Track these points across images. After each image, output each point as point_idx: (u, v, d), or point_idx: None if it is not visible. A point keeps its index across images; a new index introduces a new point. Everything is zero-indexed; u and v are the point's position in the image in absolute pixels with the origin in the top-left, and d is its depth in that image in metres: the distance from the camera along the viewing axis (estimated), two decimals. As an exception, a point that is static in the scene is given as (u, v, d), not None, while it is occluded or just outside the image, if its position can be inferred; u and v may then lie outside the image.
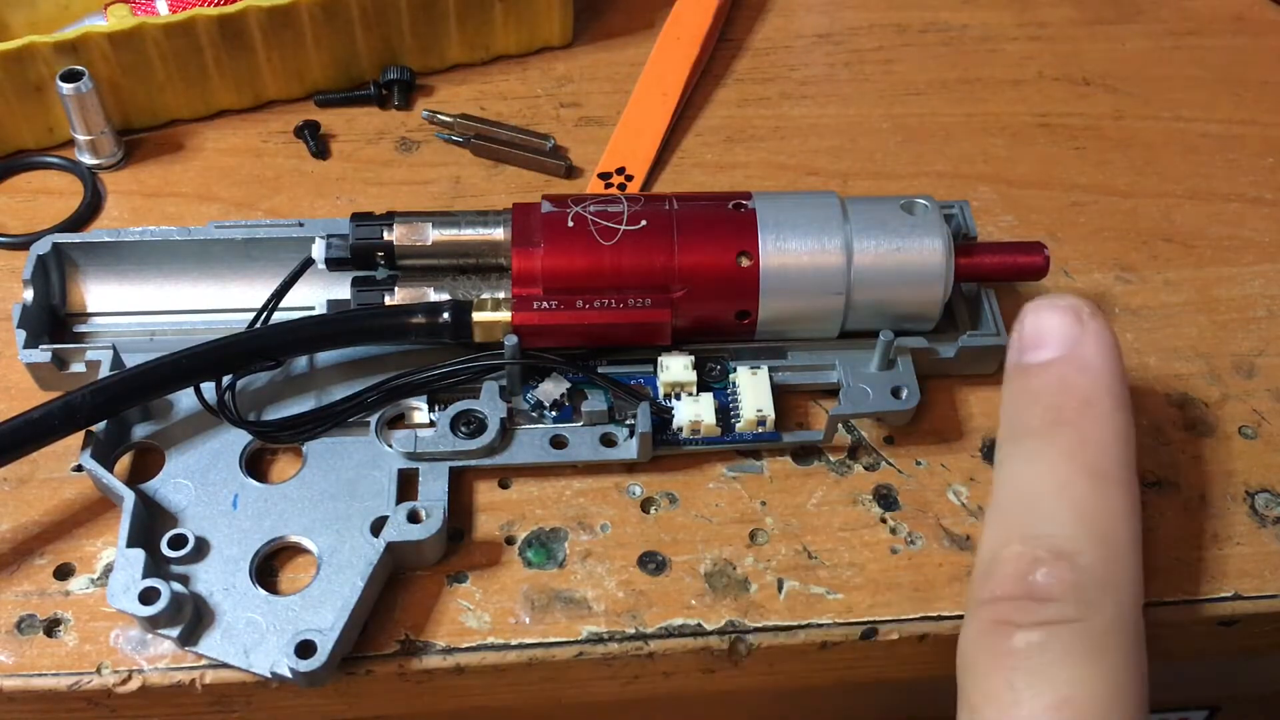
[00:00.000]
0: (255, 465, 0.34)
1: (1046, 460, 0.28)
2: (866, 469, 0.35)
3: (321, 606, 0.31)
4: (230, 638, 0.30)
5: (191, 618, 0.30)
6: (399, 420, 0.35)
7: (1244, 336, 0.39)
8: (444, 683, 0.31)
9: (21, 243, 0.40)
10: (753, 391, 0.35)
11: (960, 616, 0.32)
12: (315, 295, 0.37)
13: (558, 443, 0.34)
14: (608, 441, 0.34)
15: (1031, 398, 0.29)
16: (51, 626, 0.31)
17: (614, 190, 0.43)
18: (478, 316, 0.34)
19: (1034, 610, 0.26)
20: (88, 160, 0.43)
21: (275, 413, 0.35)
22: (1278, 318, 0.39)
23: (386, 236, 0.35)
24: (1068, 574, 0.26)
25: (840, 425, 0.35)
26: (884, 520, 0.34)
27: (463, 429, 0.34)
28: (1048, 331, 0.29)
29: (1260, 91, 0.47)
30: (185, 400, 0.35)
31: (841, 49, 0.49)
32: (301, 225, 0.37)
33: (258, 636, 0.30)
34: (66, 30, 0.41)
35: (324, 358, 0.36)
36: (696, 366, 0.35)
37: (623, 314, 0.34)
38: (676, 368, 0.35)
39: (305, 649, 0.29)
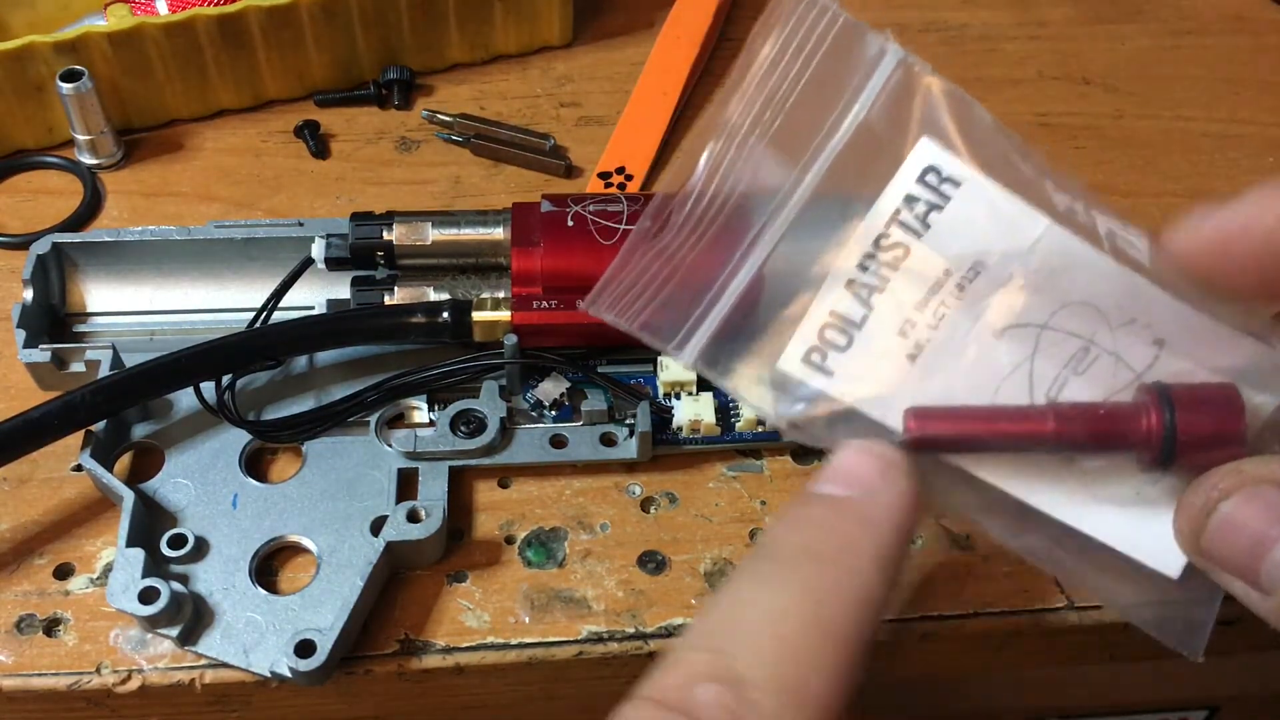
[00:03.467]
0: (255, 465, 0.34)
1: (774, 588, 0.25)
2: (866, 468, 0.35)
3: (321, 606, 0.31)
4: (230, 637, 0.30)
5: (191, 617, 0.30)
6: (399, 420, 0.35)
7: (1244, 336, 0.38)
8: (444, 682, 0.31)
9: (21, 242, 0.40)
10: (752, 391, 0.35)
11: (961, 616, 0.32)
12: (315, 295, 0.37)
13: (557, 442, 0.34)
14: (607, 441, 0.34)
15: (796, 524, 0.27)
16: (51, 626, 0.31)
17: (614, 190, 0.43)
18: (477, 316, 0.34)
19: None
20: (88, 160, 0.43)
21: (275, 412, 0.35)
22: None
23: (386, 236, 0.35)
24: (732, 702, 0.23)
25: (840, 424, 0.35)
26: (884, 519, 0.34)
27: (462, 428, 0.34)
28: (850, 471, 0.27)
29: (1260, 91, 0.47)
30: (185, 400, 0.35)
31: (841, 48, 0.49)
32: (301, 225, 0.37)
33: (257, 636, 0.30)
34: (66, 30, 0.41)
35: (324, 357, 0.36)
36: (696, 366, 0.35)
37: (622, 313, 0.34)
38: (676, 367, 0.35)
39: (305, 648, 0.29)
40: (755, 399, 0.28)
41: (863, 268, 0.28)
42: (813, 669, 0.24)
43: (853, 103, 0.28)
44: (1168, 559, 0.28)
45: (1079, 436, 0.27)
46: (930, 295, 0.28)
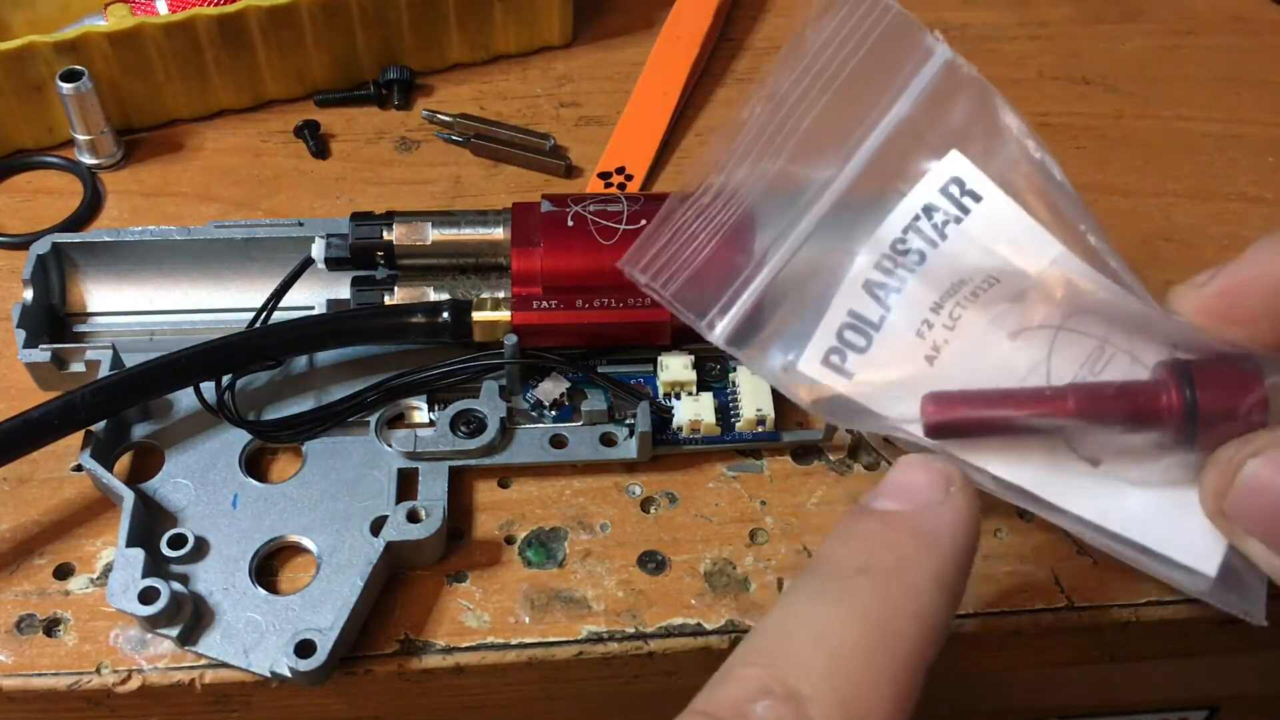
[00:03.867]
0: (255, 465, 0.34)
1: (829, 603, 0.25)
2: (867, 468, 0.35)
3: (321, 606, 0.31)
4: (230, 637, 0.30)
5: (191, 617, 0.30)
6: (399, 420, 0.35)
7: (1244, 336, 0.38)
8: (444, 682, 0.31)
9: (21, 242, 0.40)
10: (752, 391, 0.35)
11: (961, 616, 0.32)
12: (315, 295, 0.37)
13: (557, 442, 0.34)
14: (607, 441, 0.34)
15: (851, 538, 0.26)
16: (51, 626, 0.31)
17: (614, 190, 0.43)
18: (477, 316, 0.34)
19: None
20: (88, 160, 0.43)
21: (275, 412, 0.35)
22: (1278, 317, 0.39)
23: (386, 236, 0.35)
24: (790, 717, 0.23)
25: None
26: (884, 519, 0.34)
27: (462, 428, 0.34)
28: (907, 486, 0.26)
29: (1260, 91, 0.47)
30: (185, 400, 0.35)
31: (841, 49, 0.49)
32: (301, 225, 0.37)
33: (257, 636, 0.30)
34: (66, 30, 0.41)
35: (324, 357, 0.36)
36: (696, 366, 0.35)
37: (622, 313, 0.34)
38: (676, 367, 0.35)
39: (305, 648, 0.29)
40: (779, 385, 0.29)
41: (882, 269, 0.28)
42: (869, 685, 0.24)
43: (896, 98, 0.28)
44: (1202, 557, 0.27)
45: (1099, 413, 0.27)
46: (947, 298, 0.28)
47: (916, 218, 0.28)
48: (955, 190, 0.29)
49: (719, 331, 0.28)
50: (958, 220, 0.28)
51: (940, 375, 0.28)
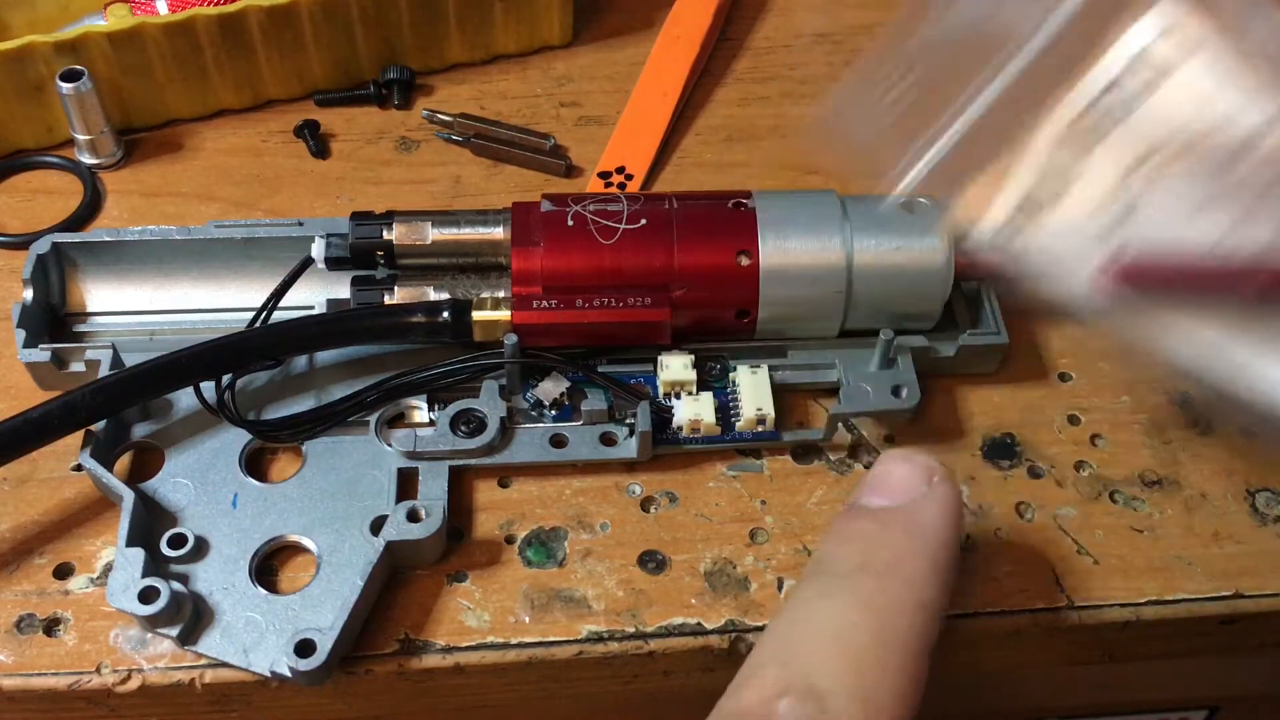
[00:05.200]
0: (255, 464, 0.34)
1: (837, 601, 0.26)
2: (867, 468, 0.35)
3: (321, 606, 0.31)
4: (230, 637, 0.30)
5: (191, 617, 0.30)
6: (399, 419, 0.35)
7: (1244, 335, 0.38)
8: (444, 682, 0.31)
9: (21, 242, 0.40)
10: (753, 390, 0.35)
11: (960, 616, 0.32)
12: (315, 295, 0.37)
13: (557, 442, 0.34)
14: (607, 440, 0.34)
15: (848, 538, 0.28)
16: (51, 626, 0.31)
17: (614, 189, 0.43)
18: (477, 315, 0.34)
19: None
20: (87, 160, 0.43)
21: (275, 412, 0.35)
22: (1278, 317, 0.39)
23: (386, 236, 0.35)
24: (811, 712, 0.24)
25: (840, 424, 0.35)
26: (884, 519, 0.34)
27: (462, 428, 0.34)
28: (890, 481, 0.29)
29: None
30: (185, 399, 0.35)
31: (841, 48, 0.49)
32: (301, 225, 0.37)
33: (257, 636, 0.30)
34: (66, 30, 0.41)
35: (324, 357, 0.36)
36: (696, 365, 0.35)
37: (622, 313, 0.34)
38: (676, 367, 0.35)
39: (305, 648, 0.29)
40: (967, 237, 0.28)
41: (1077, 125, 0.27)
42: (883, 675, 0.25)
43: None
44: None
45: None
46: (1142, 161, 0.27)
47: (1126, 67, 0.27)
48: (1168, 41, 0.27)
49: (910, 180, 0.28)
50: (1168, 73, 0.27)
51: (1135, 230, 0.27)
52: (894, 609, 0.26)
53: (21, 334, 0.34)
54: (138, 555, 0.30)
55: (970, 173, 0.28)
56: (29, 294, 0.35)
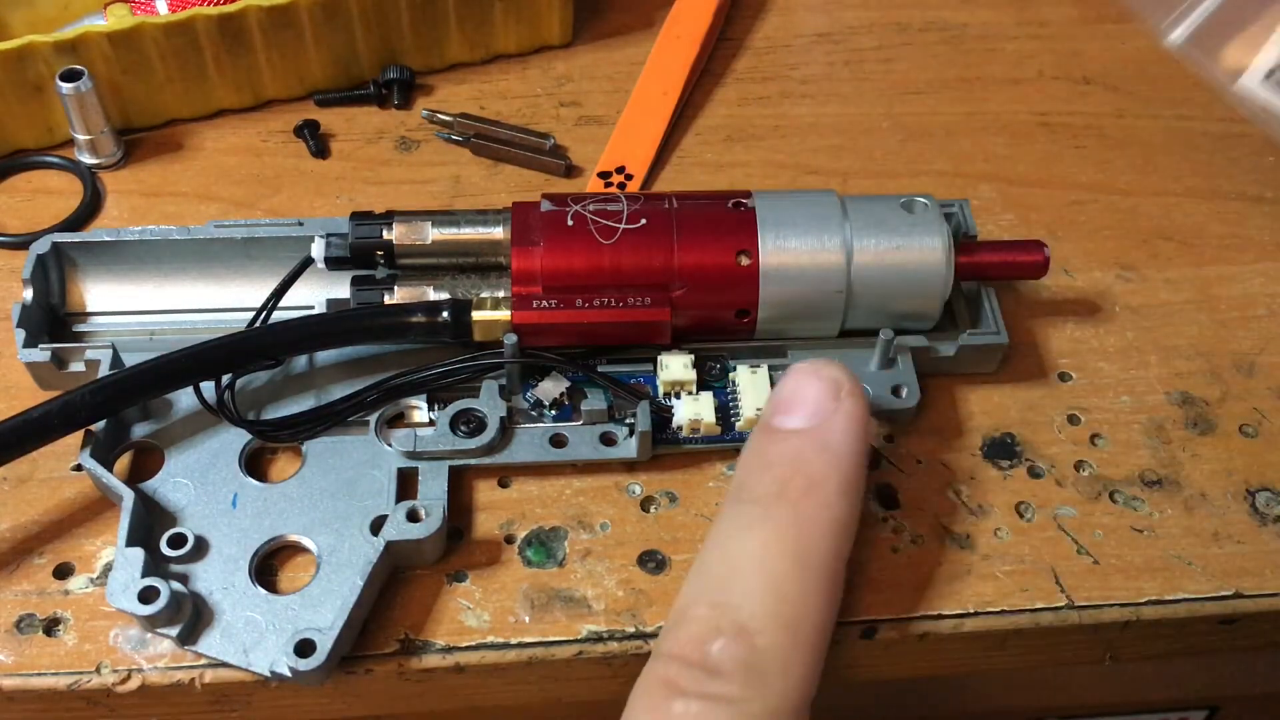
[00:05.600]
0: (255, 464, 0.34)
1: (758, 533, 0.28)
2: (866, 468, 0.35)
3: (321, 605, 0.31)
4: (229, 637, 0.30)
5: (191, 617, 0.30)
6: (398, 419, 0.35)
7: (1244, 335, 0.39)
8: (444, 682, 0.31)
9: (21, 242, 0.40)
10: (753, 390, 0.35)
11: (960, 616, 0.32)
12: (315, 295, 0.37)
13: (557, 441, 0.34)
14: (607, 440, 0.34)
15: (764, 464, 0.29)
16: (51, 626, 0.31)
17: (614, 189, 0.43)
18: (477, 315, 0.34)
19: (701, 681, 0.26)
20: (87, 160, 0.43)
21: (275, 412, 0.35)
22: (1278, 316, 0.39)
23: (386, 235, 0.35)
24: (742, 652, 0.26)
25: (840, 424, 0.35)
26: (884, 519, 0.34)
27: (462, 428, 0.34)
28: (801, 400, 0.30)
29: (1261, 90, 0.47)
30: (185, 399, 0.35)
31: (841, 48, 0.49)
32: (301, 224, 0.37)
33: (257, 635, 0.30)
34: (66, 30, 0.41)
35: (323, 357, 0.36)
36: (696, 365, 0.35)
37: (622, 313, 0.34)
38: (676, 366, 0.35)
39: (305, 648, 0.29)
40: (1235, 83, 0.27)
41: None
42: (803, 601, 0.27)
43: None
44: None
45: None
46: None
47: None
48: None
49: (1180, 31, 0.27)
50: None
51: None
52: (812, 533, 0.28)
53: (21, 334, 0.34)
54: (137, 555, 0.30)
55: (1245, 19, 0.28)
56: (29, 294, 0.35)
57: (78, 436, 0.33)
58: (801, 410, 0.30)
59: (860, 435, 0.29)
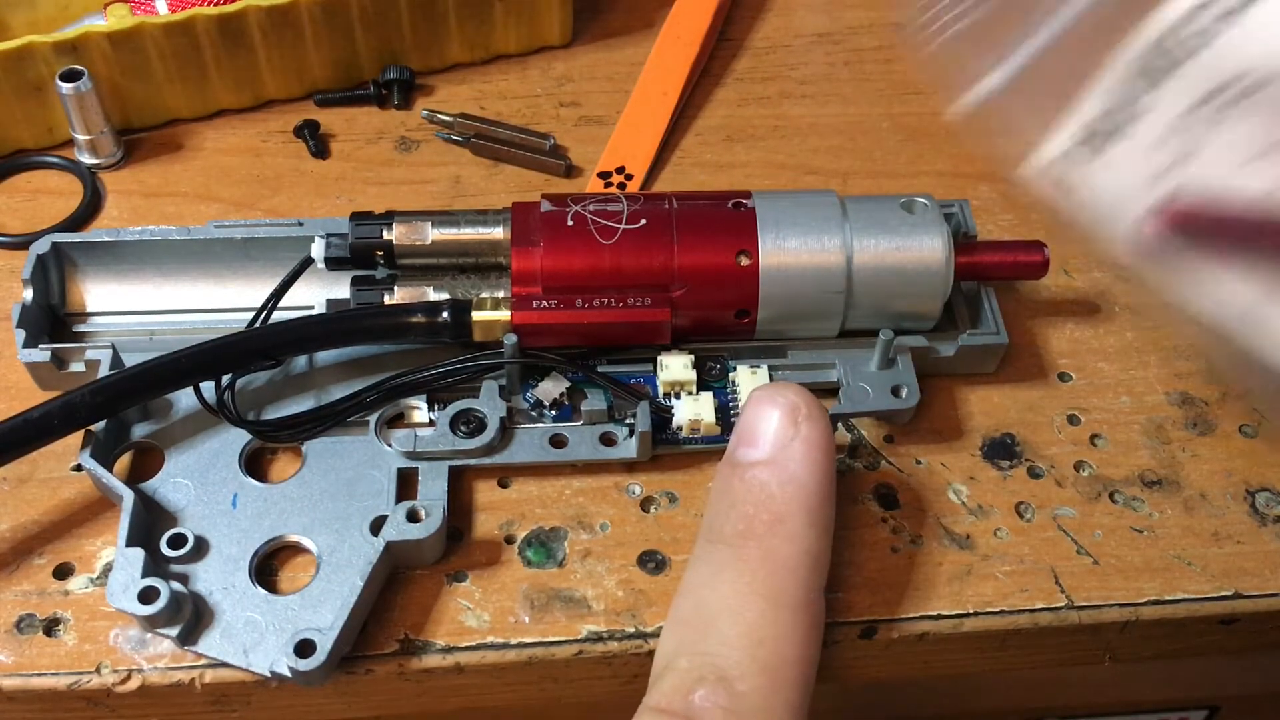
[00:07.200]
0: (255, 465, 0.34)
1: (729, 576, 0.28)
2: (866, 468, 0.35)
3: (321, 606, 0.31)
4: (229, 637, 0.30)
5: (191, 617, 0.30)
6: (398, 419, 0.35)
7: (1244, 335, 0.39)
8: (444, 682, 0.31)
9: (21, 242, 0.40)
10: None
11: (960, 616, 0.32)
12: (315, 295, 0.37)
13: (557, 442, 0.34)
14: (607, 441, 0.34)
15: (730, 502, 0.29)
16: (51, 626, 0.31)
17: (613, 189, 0.43)
18: (477, 316, 0.34)
19: None
20: (87, 160, 0.43)
21: (275, 412, 0.35)
22: (1278, 317, 0.39)
23: (386, 236, 0.35)
24: (724, 699, 0.26)
25: (840, 424, 0.35)
26: (884, 519, 0.34)
27: (462, 428, 0.34)
28: (761, 431, 0.29)
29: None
30: (185, 400, 0.35)
31: (841, 48, 0.49)
32: (301, 225, 0.37)
33: (257, 636, 0.30)
34: (66, 30, 0.41)
35: (323, 357, 0.36)
36: (696, 365, 0.35)
37: (622, 313, 0.34)
38: (676, 367, 0.35)
39: (305, 648, 0.29)
40: (1022, 164, 0.27)
41: (1145, 60, 0.26)
42: (780, 641, 0.27)
43: None
44: None
45: None
46: (1206, 101, 0.26)
47: (1196, 6, 0.26)
48: None
49: (972, 97, 0.27)
50: (1239, 11, 0.26)
51: (1191, 173, 0.26)
52: (782, 570, 0.28)
53: (21, 334, 0.34)
54: (137, 555, 0.30)
55: (1036, 96, 0.28)
56: (29, 294, 0.35)
57: (78, 437, 0.33)
58: (761, 441, 0.29)
59: (820, 460, 0.29)
